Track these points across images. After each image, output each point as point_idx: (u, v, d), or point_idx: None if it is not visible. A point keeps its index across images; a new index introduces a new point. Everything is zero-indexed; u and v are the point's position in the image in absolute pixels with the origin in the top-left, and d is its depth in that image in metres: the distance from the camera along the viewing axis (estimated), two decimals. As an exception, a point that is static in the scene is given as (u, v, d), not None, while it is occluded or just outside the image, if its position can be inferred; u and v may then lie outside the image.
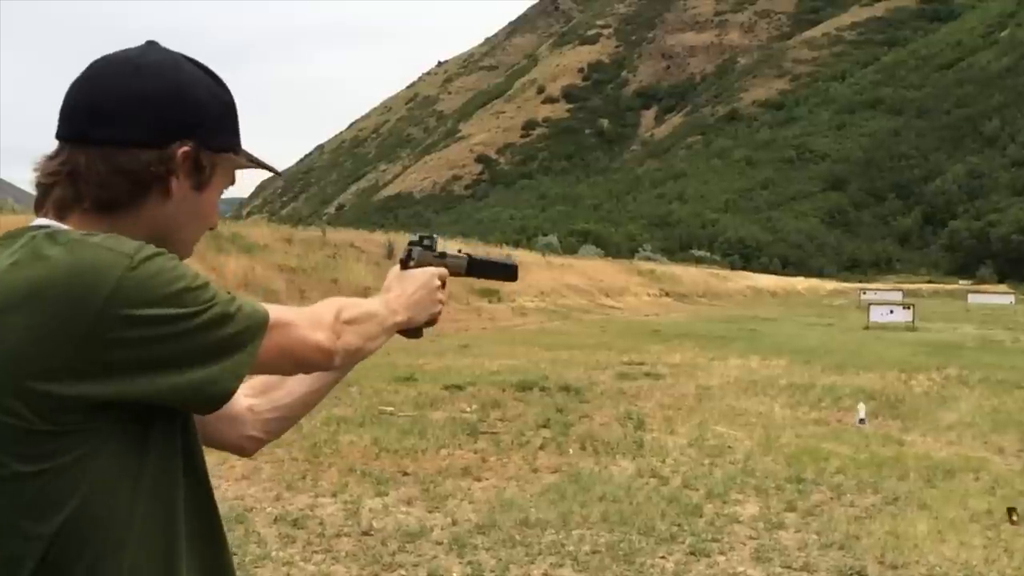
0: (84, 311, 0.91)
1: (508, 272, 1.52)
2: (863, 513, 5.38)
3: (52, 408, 0.92)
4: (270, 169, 1.23)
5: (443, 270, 1.36)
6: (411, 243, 1.38)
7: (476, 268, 1.47)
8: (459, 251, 1.46)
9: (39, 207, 1.04)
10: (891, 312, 26.24)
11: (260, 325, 1.02)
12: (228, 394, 1.00)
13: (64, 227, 1.01)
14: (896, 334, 21.77)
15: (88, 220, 1.02)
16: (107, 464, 0.95)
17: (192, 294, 0.96)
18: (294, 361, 1.08)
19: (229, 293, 1.01)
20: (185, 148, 1.05)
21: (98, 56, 1.08)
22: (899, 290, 50.15)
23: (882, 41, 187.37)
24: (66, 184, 1.02)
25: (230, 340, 0.98)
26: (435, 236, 1.41)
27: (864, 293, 44.98)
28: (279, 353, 1.05)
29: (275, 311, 1.05)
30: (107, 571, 0.96)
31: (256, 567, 4.14)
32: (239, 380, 1.01)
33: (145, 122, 1.03)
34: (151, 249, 0.96)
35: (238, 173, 1.17)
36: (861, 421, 8.32)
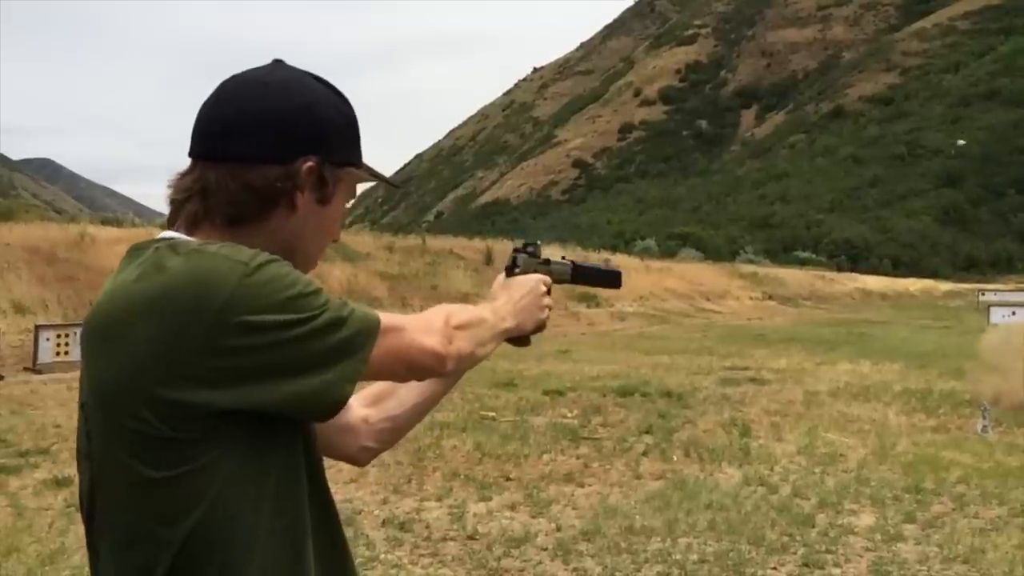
0: (203, 319, 0.93)
1: (612, 279, 1.51)
2: (988, 525, 5.11)
3: (177, 415, 0.94)
4: (390, 183, 1.24)
5: (547, 277, 1.35)
6: (515, 251, 1.38)
7: (580, 275, 1.46)
8: (563, 258, 1.45)
9: (172, 222, 1.08)
10: (1013, 314, 24.91)
11: (372, 330, 1.02)
12: (343, 399, 1.00)
13: (185, 238, 1.04)
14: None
15: (217, 234, 1.05)
16: (233, 471, 0.97)
17: (305, 299, 0.97)
18: (407, 366, 1.07)
19: (341, 299, 1.02)
20: (310, 163, 1.07)
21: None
22: (1022, 290, 47.48)
23: (998, 30, 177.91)
24: (198, 200, 1.06)
25: (343, 345, 0.99)
26: (538, 243, 1.40)
27: (983, 294, 42.85)
28: (392, 358, 1.04)
29: (386, 317, 1.05)
30: (237, 574, 0.98)
31: (366, 569, 4.22)
32: (353, 385, 1.01)
33: (273, 139, 1.05)
34: (266, 256, 0.98)
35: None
36: (983, 429, 7.91)
